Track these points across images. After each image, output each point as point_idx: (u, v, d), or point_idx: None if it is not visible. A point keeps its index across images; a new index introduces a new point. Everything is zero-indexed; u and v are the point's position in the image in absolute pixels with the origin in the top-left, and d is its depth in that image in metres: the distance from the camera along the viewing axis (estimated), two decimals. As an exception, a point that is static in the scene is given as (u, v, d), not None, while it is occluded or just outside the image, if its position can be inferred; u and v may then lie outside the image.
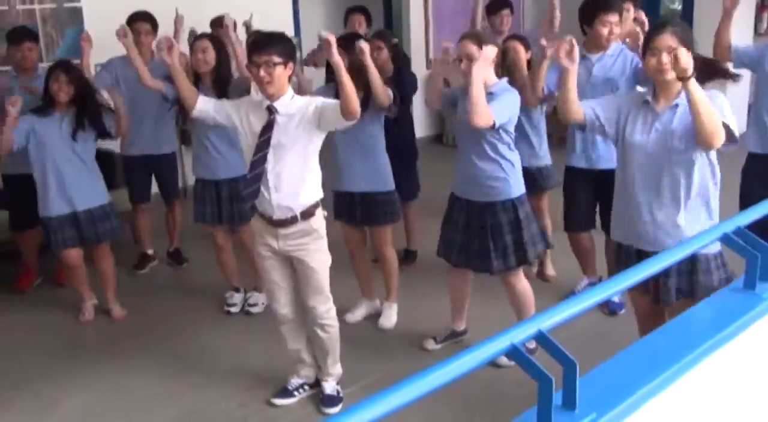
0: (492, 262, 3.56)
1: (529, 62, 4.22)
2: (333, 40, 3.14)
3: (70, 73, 4.19)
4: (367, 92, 3.74)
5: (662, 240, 2.89)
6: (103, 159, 4.60)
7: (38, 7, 6.07)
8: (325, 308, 3.38)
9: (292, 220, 3.23)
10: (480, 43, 3.41)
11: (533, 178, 4.25)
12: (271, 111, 3.17)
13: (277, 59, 3.07)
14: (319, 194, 3.29)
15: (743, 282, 2.03)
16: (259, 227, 3.33)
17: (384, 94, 3.74)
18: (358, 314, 4.31)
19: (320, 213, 3.31)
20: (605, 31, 3.88)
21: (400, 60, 4.73)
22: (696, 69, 2.70)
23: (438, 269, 4.14)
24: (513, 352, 1.48)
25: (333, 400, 3.50)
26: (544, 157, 4.46)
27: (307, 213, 3.24)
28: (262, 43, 3.13)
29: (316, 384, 3.59)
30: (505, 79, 3.54)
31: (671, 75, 2.73)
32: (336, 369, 3.55)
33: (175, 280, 5.21)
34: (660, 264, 1.91)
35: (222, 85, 4.09)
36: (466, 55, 3.38)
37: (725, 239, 2.03)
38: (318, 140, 3.22)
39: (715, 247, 2.80)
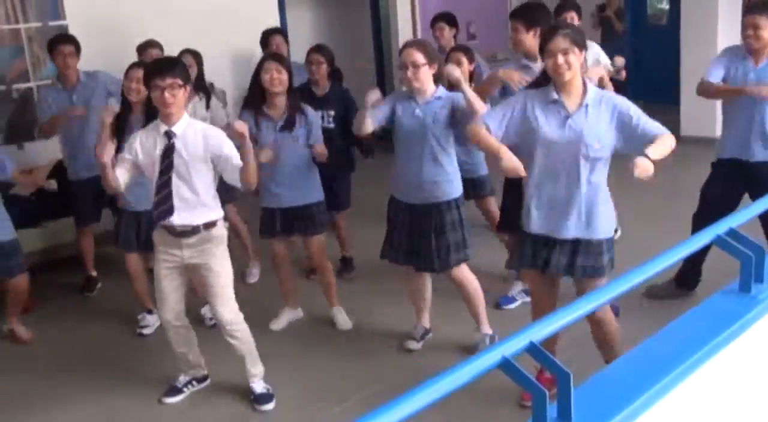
0: (434, 261, 3.71)
1: (471, 73, 4.44)
2: (244, 129, 3.29)
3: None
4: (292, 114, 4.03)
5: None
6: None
7: (23, 26, 6.04)
8: (230, 315, 3.49)
9: (193, 231, 3.38)
10: (425, 52, 3.60)
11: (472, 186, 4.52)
12: (169, 136, 3.33)
13: (180, 82, 3.25)
14: (220, 212, 3.50)
15: (738, 285, 2.01)
16: (162, 239, 3.46)
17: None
18: (281, 321, 4.41)
19: (222, 225, 3.50)
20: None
21: (339, 76, 4.95)
22: None
23: (377, 272, 4.35)
24: (505, 365, 1.45)
25: (265, 398, 3.60)
26: (481, 164, 4.68)
27: (210, 225, 3.42)
28: (165, 66, 3.30)
29: (204, 379, 3.78)
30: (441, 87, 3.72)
31: (568, 75, 2.97)
32: (257, 368, 3.64)
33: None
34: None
35: (152, 114, 4.03)
36: (412, 62, 3.55)
37: (718, 241, 2.00)
38: (214, 172, 3.41)
39: (609, 234, 3.13)
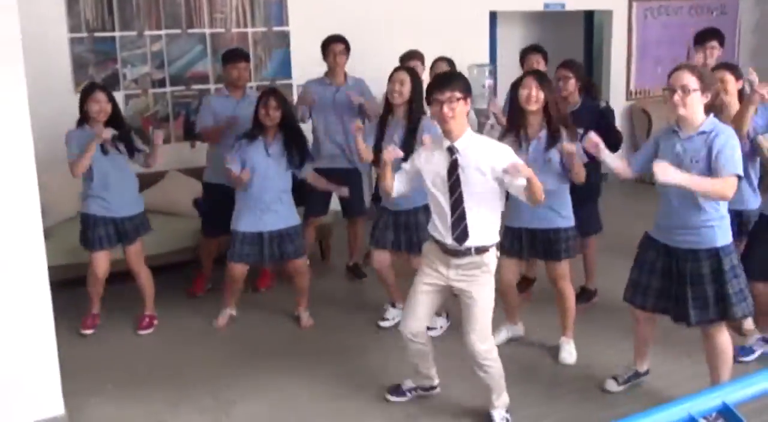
0: (689, 311, 3.33)
1: (740, 92, 3.98)
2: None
3: (279, 99, 4.47)
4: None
5: None
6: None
7: (250, 31, 6.51)
8: (485, 348, 3.37)
9: (465, 252, 3.28)
10: (696, 73, 3.23)
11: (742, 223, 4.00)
12: (452, 151, 3.25)
13: (458, 95, 3.18)
14: (497, 237, 3.37)
15: None
16: (432, 252, 3.41)
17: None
18: (500, 337, 4.26)
19: (494, 252, 3.35)
20: None
21: (595, 90, 4.68)
22: None
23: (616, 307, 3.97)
24: (691, 424, 1.32)
25: None
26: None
27: (481, 249, 3.29)
28: (445, 80, 3.26)
29: (430, 389, 3.74)
30: (712, 116, 3.30)
31: None
32: (500, 401, 3.52)
33: (354, 295, 5.32)
34: None
35: (415, 117, 4.22)
36: (681, 86, 3.21)
37: None
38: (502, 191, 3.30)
39: None
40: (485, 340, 3.36)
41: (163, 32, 6.17)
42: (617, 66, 8.45)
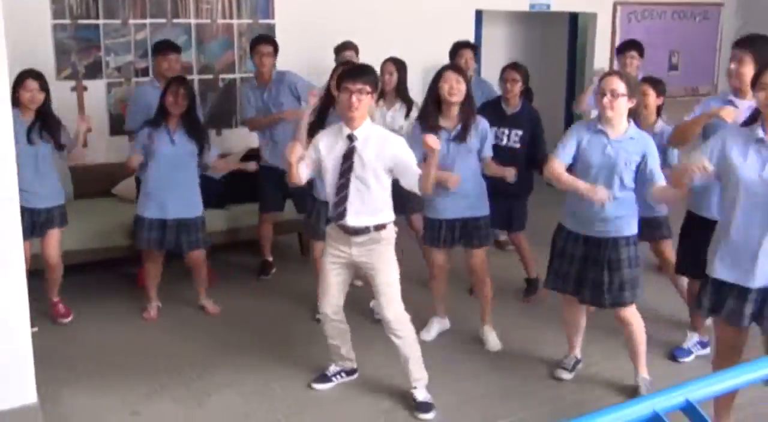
0: (604, 296, 3.59)
1: (658, 108, 4.27)
2: (437, 145, 3.35)
3: (185, 87, 4.52)
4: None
5: None
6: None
7: (236, 22, 6.49)
8: (395, 314, 3.55)
9: (365, 230, 3.48)
10: (625, 80, 3.46)
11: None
12: (351, 138, 3.44)
13: (368, 89, 3.38)
14: (392, 216, 3.57)
15: None
16: (334, 234, 3.59)
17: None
18: (432, 331, 4.43)
19: (392, 228, 3.57)
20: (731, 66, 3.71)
21: (530, 96, 4.91)
22: None
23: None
24: (654, 420, 1.35)
25: (426, 406, 3.60)
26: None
27: (380, 227, 3.51)
28: (358, 72, 3.44)
29: (352, 373, 3.90)
30: (632, 122, 3.56)
31: None
32: (420, 373, 3.65)
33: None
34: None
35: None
36: (611, 90, 3.42)
37: None
38: (388, 176, 3.50)
39: None
40: (396, 307, 3.55)
41: (147, 21, 6.13)
42: (600, 67, 8.51)
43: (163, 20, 6.17)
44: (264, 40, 5.33)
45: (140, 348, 4.33)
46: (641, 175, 3.49)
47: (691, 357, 4.15)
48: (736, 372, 1.50)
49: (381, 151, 3.43)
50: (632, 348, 3.76)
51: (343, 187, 3.47)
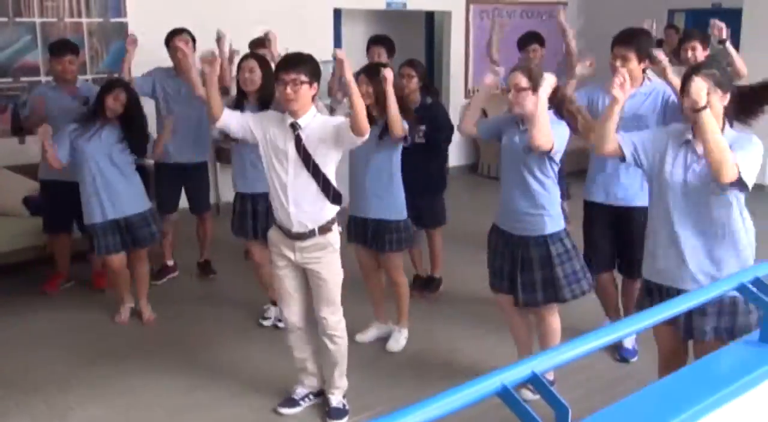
0: (518, 295, 3.55)
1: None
2: (344, 56, 3.26)
3: (129, 93, 4.42)
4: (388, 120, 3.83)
5: (698, 278, 2.90)
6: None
7: (85, 21, 6.22)
8: (336, 319, 3.47)
9: (309, 234, 3.33)
10: (530, 75, 3.42)
11: None
12: (294, 127, 3.26)
13: (303, 78, 3.19)
14: (335, 210, 3.39)
15: (759, 335, 1.96)
16: (277, 239, 3.42)
17: (399, 123, 3.81)
18: (369, 335, 4.36)
19: (336, 229, 3.41)
20: (617, 63, 3.71)
21: (432, 90, 4.81)
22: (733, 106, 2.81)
23: (460, 297, 4.06)
24: (503, 394, 1.44)
25: (339, 413, 3.56)
26: None
27: (324, 229, 3.34)
28: (291, 62, 3.23)
29: (320, 394, 3.68)
30: (552, 111, 3.47)
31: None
32: (342, 382, 3.61)
33: (203, 291, 5.25)
34: (687, 303, 1.86)
35: (266, 103, 4.17)
36: (515, 85, 3.42)
37: (741, 289, 1.96)
38: (335, 157, 3.32)
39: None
40: (336, 313, 3.48)
41: (-14, 20, 5.78)
42: (456, 65, 8.80)
43: (4, 19, 5.83)
44: (178, 33, 5.05)
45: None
46: None
47: (637, 356, 4.10)
48: (577, 343, 1.61)
49: (323, 136, 3.26)
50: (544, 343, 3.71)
51: (317, 173, 3.28)
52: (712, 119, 2.71)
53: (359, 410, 3.60)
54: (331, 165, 3.31)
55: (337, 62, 3.30)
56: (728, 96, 2.84)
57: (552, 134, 3.26)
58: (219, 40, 4.90)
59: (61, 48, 4.91)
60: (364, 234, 4.15)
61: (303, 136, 3.26)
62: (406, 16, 8.82)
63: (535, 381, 1.49)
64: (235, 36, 6.05)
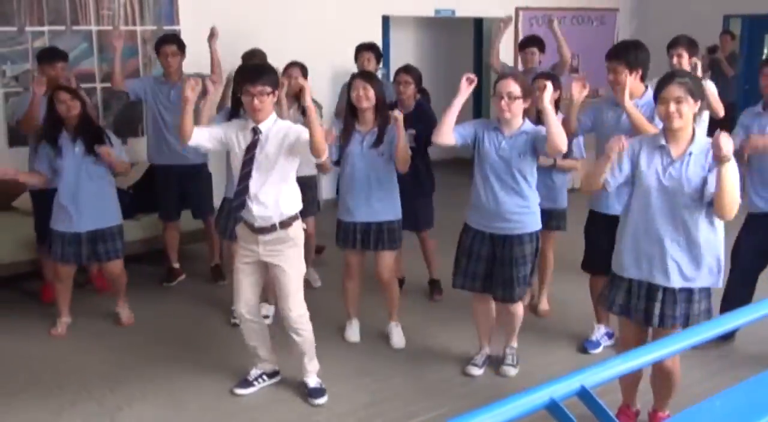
0: (497, 292, 3.82)
1: (557, 102, 4.39)
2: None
3: (76, 97, 4.41)
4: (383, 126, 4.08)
5: (670, 273, 3.05)
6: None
7: (139, 29, 6.37)
8: (297, 314, 3.66)
9: (271, 228, 3.53)
10: (523, 84, 3.65)
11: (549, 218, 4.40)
12: (255, 132, 3.51)
13: (268, 89, 3.43)
14: (297, 207, 3.61)
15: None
16: (243, 234, 3.64)
17: (407, 164, 4.08)
18: (356, 331, 4.51)
19: (298, 225, 3.62)
20: (609, 76, 3.87)
21: (424, 92, 5.03)
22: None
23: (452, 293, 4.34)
24: (552, 407, 1.42)
25: (318, 392, 3.78)
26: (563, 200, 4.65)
27: (285, 224, 3.55)
28: (257, 74, 3.45)
29: (274, 375, 3.93)
30: (527, 119, 3.73)
31: (678, 123, 2.95)
32: (313, 365, 3.83)
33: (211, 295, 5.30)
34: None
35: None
36: (508, 93, 3.59)
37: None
38: (293, 161, 3.55)
39: (706, 282, 3.07)
40: (298, 307, 3.65)
41: (46, 28, 5.95)
42: (508, 15, 8.71)
43: (62, 27, 6.00)
44: (167, 41, 5.25)
45: (49, 364, 4.18)
46: (540, 143, 3.59)
47: (600, 348, 4.32)
48: (626, 358, 1.59)
49: (282, 141, 3.48)
50: (511, 331, 4.05)
51: (245, 178, 3.52)
52: (734, 171, 2.84)
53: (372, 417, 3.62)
54: (288, 166, 3.53)
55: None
56: (699, 104, 2.99)
57: (563, 135, 3.48)
58: (211, 36, 5.09)
59: (53, 55, 4.99)
60: (355, 238, 4.21)
61: (262, 138, 3.49)
62: (454, 22, 8.81)
63: (584, 396, 1.47)
64: (283, 42, 6.15)
